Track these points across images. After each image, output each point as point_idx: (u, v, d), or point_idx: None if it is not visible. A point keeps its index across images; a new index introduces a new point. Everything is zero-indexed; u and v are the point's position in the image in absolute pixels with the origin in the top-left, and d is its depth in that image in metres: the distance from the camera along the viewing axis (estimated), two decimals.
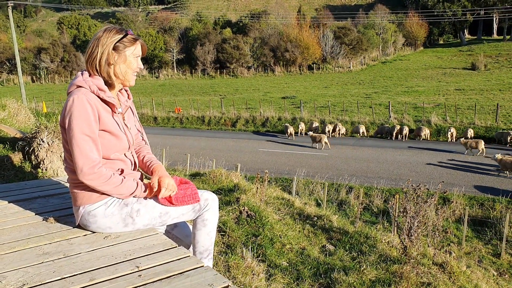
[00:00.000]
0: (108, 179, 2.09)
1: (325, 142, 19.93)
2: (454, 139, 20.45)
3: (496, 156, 15.12)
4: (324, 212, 7.46)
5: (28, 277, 1.78)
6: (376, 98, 30.93)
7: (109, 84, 2.22)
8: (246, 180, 8.45)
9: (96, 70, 2.17)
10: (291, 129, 22.84)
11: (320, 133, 22.06)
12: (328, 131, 22.89)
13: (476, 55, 49.93)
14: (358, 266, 4.94)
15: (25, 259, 1.95)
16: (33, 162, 4.58)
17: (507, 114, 23.36)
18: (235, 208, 5.44)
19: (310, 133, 21.18)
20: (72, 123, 2.04)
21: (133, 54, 2.21)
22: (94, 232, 2.23)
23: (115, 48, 2.15)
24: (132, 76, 2.25)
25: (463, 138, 19.02)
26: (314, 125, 23.99)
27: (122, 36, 2.16)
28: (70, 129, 2.05)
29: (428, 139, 21.49)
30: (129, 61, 2.20)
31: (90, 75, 2.18)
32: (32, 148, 4.60)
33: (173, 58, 59.15)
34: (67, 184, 2.47)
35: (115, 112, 2.20)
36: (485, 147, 17.84)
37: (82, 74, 2.18)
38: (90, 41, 2.19)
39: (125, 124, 2.28)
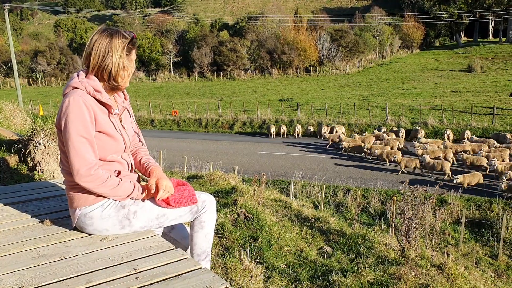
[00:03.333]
0: (104, 181, 2.08)
1: (272, 131, 24.10)
2: (451, 141, 20.51)
3: (327, 136, 20.47)
4: (321, 214, 7.46)
5: (24, 280, 1.77)
6: (373, 100, 30.99)
7: (107, 86, 2.21)
8: (244, 182, 8.42)
9: (103, 76, 2.15)
10: (273, 129, 24.50)
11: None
12: (325, 133, 23.02)
13: (472, 57, 50.09)
14: (356, 268, 4.93)
15: (21, 262, 1.93)
16: (29, 164, 4.56)
17: (504, 115, 23.45)
18: (232, 210, 5.42)
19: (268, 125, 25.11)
20: (68, 124, 2.03)
21: (133, 58, 2.23)
22: (90, 234, 2.22)
23: (126, 52, 2.17)
24: (128, 79, 2.26)
25: (327, 133, 21.82)
26: (309, 128, 24.19)
27: (130, 39, 2.17)
28: (66, 130, 2.04)
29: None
30: (133, 64, 2.22)
31: (86, 76, 2.16)
32: (28, 150, 4.58)
33: (170, 60, 59.08)
34: (64, 186, 2.46)
35: (112, 113, 2.19)
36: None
37: (78, 75, 2.16)
38: (95, 46, 2.12)
39: (122, 125, 2.27)
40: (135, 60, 2.26)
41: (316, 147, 21.52)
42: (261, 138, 24.20)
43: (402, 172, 16.14)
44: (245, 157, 19.26)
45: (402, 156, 17.05)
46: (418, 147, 17.42)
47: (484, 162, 15.48)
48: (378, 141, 19.35)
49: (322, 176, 15.20)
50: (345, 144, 19.01)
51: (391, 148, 18.11)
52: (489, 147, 17.30)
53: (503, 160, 15.32)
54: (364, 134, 21.57)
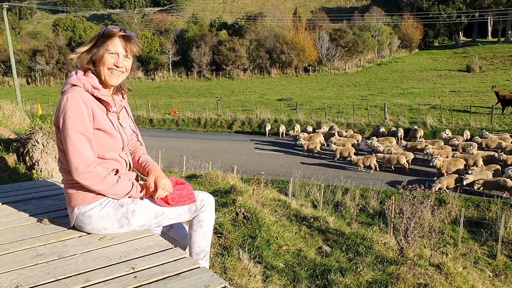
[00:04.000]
0: (103, 178, 2.07)
1: (267, 130, 24.70)
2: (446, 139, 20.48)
3: (290, 133, 21.68)
4: (320, 214, 7.46)
5: (22, 279, 1.76)
6: (372, 100, 31.00)
7: (104, 84, 2.21)
8: (243, 182, 8.43)
9: (89, 68, 2.18)
10: (268, 127, 24.70)
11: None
12: (288, 132, 23.40)
13: (471, 57, 50.15)
14: (354, 267, 4.93)
15: (19, 261, 1.92)
16: (28, 163, 4.55)
17: (502, 115, 23.48)
18: (231, 209, 5.42)
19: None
20: (66, 121, 2.02)
21: (107, 50, 2.14)
22: (89, 233, 2.21)
23: (97, 44, 2.15)
24: (109, 74, 2.17)
25: (292, 131, 22.20)
26: (307, 128, 24.24)
27: (102, 31, 2.17)
28: (64, 127, 2.03)
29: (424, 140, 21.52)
30: (105, 58, 2.15)
31: (84, 74, 2.16)
32: (26, 149, 4.57)
33: (169, 60, 59.03)
34: (62, 185, 2.45)
35: (110, 111, 2.18)
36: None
37: (76, 73, 2.16)
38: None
39: (120, 124, 2.27)
40: (133, 59, 2.26)
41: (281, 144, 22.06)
42: (260, 138, 24.18)
43: (361, 170, 16.40)
44: (244, 157, 19.25)
45: (358, 155, 17.46)
46: (375, 145, 17.75)
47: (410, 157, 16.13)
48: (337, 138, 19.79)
49: (321, 176, 15.20)
50: (302, 142, 19.41)
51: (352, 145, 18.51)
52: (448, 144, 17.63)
53: (447, 157, 15.79)
54: (317, 131, 22.20)
